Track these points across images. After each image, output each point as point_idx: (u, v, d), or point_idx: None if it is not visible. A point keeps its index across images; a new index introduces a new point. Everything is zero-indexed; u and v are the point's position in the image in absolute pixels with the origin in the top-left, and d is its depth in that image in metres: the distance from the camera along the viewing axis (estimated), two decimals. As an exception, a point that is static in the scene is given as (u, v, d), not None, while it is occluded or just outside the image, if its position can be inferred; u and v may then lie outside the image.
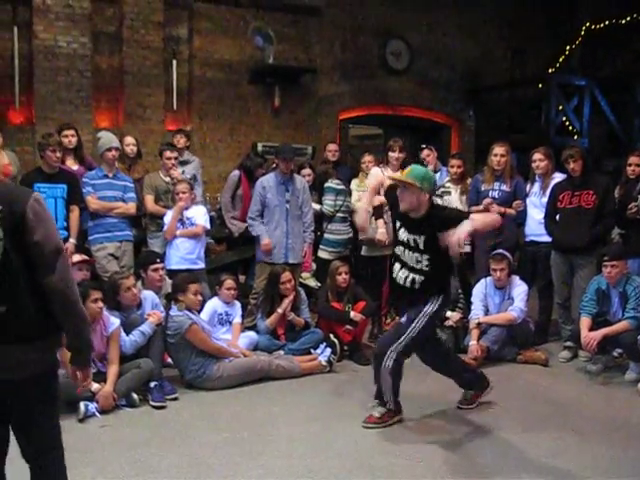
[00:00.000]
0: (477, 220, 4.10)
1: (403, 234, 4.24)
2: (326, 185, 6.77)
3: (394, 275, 4.31)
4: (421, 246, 4.13)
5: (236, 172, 7.08)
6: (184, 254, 6.16)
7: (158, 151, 6.89)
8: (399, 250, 4.27)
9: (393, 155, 6.35)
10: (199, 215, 6.32)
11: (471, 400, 4.63)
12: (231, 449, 3.89)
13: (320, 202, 6.86)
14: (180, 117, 8.91)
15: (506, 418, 4.46)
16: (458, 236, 3.84)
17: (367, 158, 7.28)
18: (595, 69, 10.92)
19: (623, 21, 10.64)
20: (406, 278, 4.20)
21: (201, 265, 6.27)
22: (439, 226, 4.07)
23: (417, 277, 4.16)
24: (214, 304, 5.70)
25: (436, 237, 4.08)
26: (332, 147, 7.96)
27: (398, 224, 4.31)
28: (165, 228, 6.21)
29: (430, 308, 4.15)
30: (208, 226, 6.43)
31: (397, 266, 4.28)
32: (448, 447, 3.96)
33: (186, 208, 6.22)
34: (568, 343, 5.95)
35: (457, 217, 4.10)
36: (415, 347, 4.26)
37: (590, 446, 4.01)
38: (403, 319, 4.27)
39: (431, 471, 3.62)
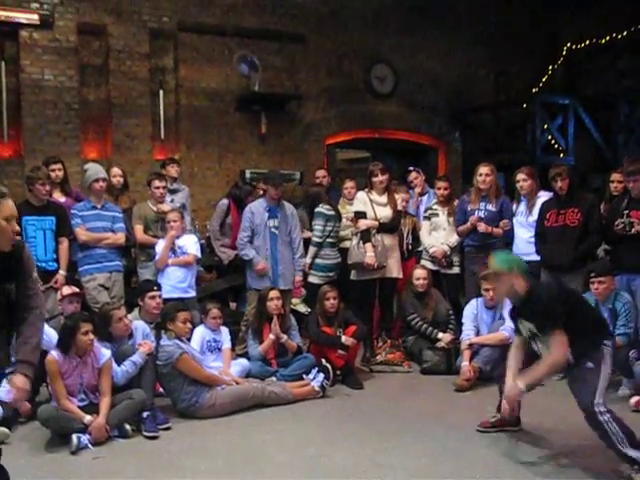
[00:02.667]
0: (533, 376, 3.88)
1: (522, 328, 4.02)
2: (317, 210, 6.79)
3: None
4: (538, 333, 3.89)
5: (225, 201, 7.12)
6: (175, 283, 6.17)
7: (147, 181, 6.92)
8: (535, 348, 4.00)
9: (377, 179, 6.41)
10: (190, 244, 6.34)
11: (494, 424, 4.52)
12: (225, 478, 3.87)
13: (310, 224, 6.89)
14: (168, 146, 8.94)
15: (502, 439, 4.45)
16: (506, 402, 3.87)
17: (348, 184, 7.38)
18: (578, 88, 11.06)
19: (603, 41, 10.80)
20: None
21: (192, 294, 6.29)
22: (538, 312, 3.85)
23: None
24: (202, 332, 5.68)
25: (545, 322, 3.84)
26: (320, 173, 8.02)
27: (519, 318, 4.06)
28: (157, 257, 6.22)
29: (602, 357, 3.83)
30: (199, 255, 6.46)
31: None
32: (444, 473, 3.94)
33: (177, 237, 6.25)
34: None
35: (546, 324, 3.82)
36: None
37: (591, 463, 3.99)
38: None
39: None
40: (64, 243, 5.91)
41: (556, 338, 3.76)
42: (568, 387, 4.02)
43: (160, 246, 6.23)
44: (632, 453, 3.53)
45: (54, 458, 4.21)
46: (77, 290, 5.76)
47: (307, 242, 6.74)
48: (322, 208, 6.76)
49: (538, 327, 3.88)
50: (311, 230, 6.84)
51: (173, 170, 7.31)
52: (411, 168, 7.79)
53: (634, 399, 5.02)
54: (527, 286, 3.93)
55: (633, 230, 5.60)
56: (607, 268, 5.53)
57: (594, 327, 3.96)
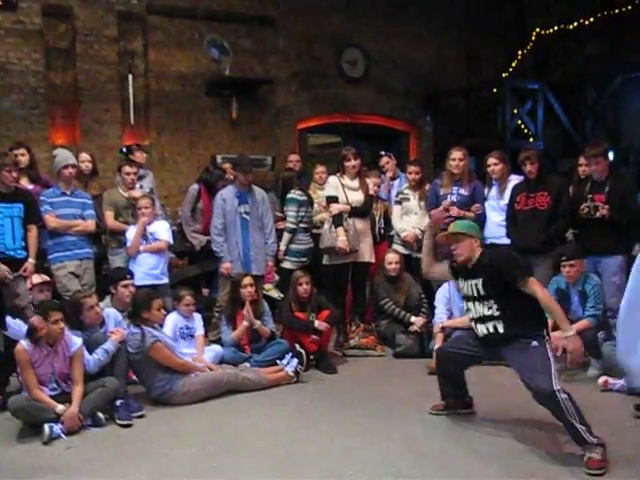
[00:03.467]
0: (562, 321, 4.05)
1: (464, 285, 4.27)
2: (289, 196, 6.76)
3: (480, 337, 4.23)
4: (482, 292, 4.12)
5: (195, 186, 7.07)
6: (147, 270, 6.12)
7: (117, 167, 6.83)
8: (470, 307, 4.26)
9: (349, 164, 6.41)
10: (162, 230, 6.28)
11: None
12: (200, 464, 3.86)
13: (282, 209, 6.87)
14: (138, 132, 8.83)
15: (476, 419, 4.52)
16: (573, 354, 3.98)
17: (319, 169, 7.38)
18: (547, 73, 11.15)
19: (571, 26, 10.89)
20: (487, 329, 4.14)
21: (165, 280, 6.24)
22: (494, 271, 4.06)
23: (496, 324, 4.11)
24: (174, 319, 5.65)
25: (494, 281, 4.07)
26: (293, 157, 7.99)
27: (459, 281, 4.34)
28: (128, 244, 6.15)
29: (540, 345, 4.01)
30: (171, 241, 6.40)
31: (476, 326, 4.23)
32: (417, 455, 3.98)
33: (149, 223, 6.19)
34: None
35: (513, 276, 4.02)
36: None
37: (555, 438, 4.09)
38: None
39: (399, 478, 3.64)
40: (33, 231, 5.80)
41: (532, 282, 3.99)
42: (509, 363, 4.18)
43: (131, 233, 6.17)
44: (579, 427, 3.71)
45: (26, 449, 4.16)
46: (47, 279, 5.68)
47: (279, 230, 6.72)
48: (294, 194, 6.73)
49: (483, 284, 4.10)
50: (283, 216, 6.82)
51: (142, 157, 7.24)
52: (383, 153, 7.80)
53: (602, 379, 5.10)
54: (482, 250, 4.25)
55: (598, 214, 5.68)
56: (577, 252, 5.60)
57: (539, 310, 4.10)
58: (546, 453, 3.92)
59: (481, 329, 4.19)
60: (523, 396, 4.12)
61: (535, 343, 4.00)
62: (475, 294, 4.19)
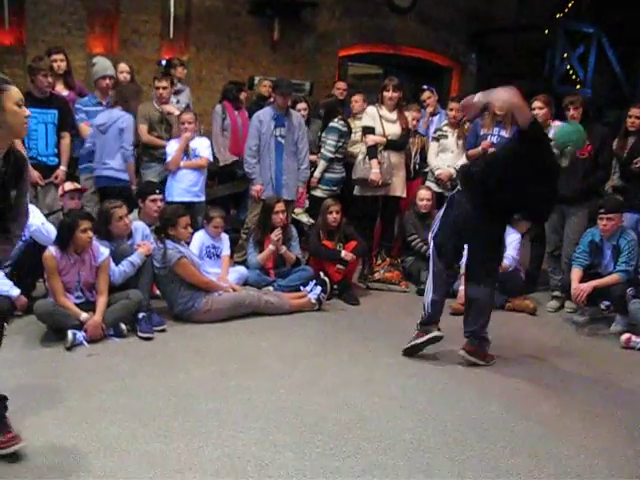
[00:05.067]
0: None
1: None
2: (331, 125, 6.64)
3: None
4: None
5: (218, 106, 6.98)
6: (187, 186, 6.08)
7: (153, 79, 6.72)
8: None
9: (387, 95, 6.24)
10: (203, 147, 6.20)
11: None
12: (217, 382, 3.90)
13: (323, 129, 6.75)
14: (177, 46, 8.68)
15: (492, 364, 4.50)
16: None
17: (355, 97, 7.19)
18: (605, 17, 10.65)
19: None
20: None
21: (203, 198, 6.22)
22: None
23: None
24: (202, 237, 5.64)
25: None
26: (341, 85, 7.82)
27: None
28: (169, 159, 6.06)
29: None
30: (211, 158, 6.33)
31: None
32: (433, 390, 3.99)
33: (191, 139, 6.10)
34: (556, 293, 5.99)
35: None
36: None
37: (573, 391, 4.09)
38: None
39: (414, 413, 3.65)
40: (66, 138, 5.78)
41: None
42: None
43: (172, 147, 6.06)
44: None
45: (49, 353, 4.24)
46: (79, 186, 5.67)
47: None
48: (337, 123, 6.60)
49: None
50: (320, 143, 6.72)
51: (181, 71, 7.11)
52: (425, 87, 7.57)
53: (625, 336, 5.03)
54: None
55: None
56: (618, 205, 5.43)
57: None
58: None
59: None
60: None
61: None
62: None
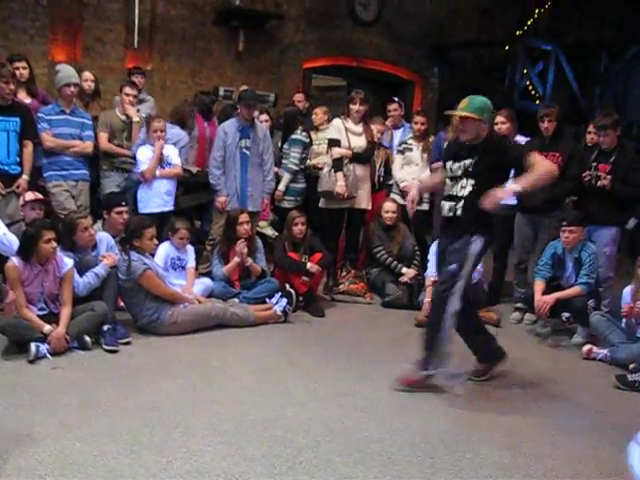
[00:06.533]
0: (528, 180, 4.00)
1: (453, 165, 4.27)
2: (294, 137, 6.67)
3: (443, 213, 4.34)
4: (470, 169, 4.14)
5: None
6: (164, 195, 6.03)
7: (119, 87, 6.65)
8: (447, 187, 4.31)
9: (354, 107, 6.30)
10: (174, 154, 6.15)
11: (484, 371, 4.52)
12: (184, 395, 3.87)
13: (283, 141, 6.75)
14: (141, 56, 8.61)
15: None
16: (497, 195, 3.93)
17: (316, 110, 7.26)
18: (562, 35, 10.95)
19: (591, -12, 10.67)
20: (449, 209, 4.25)
21: (172, 207, 6.17)
22: (495, 155, 4.11)
23: (458, 204, 4.19)
24: (167, 249, 5.59)
25: (488, 163, 4.10)
26: (299, 97, 7.85)
27: (449, 161, 4.32)
28: (142, 167, 5.96)
29: (474, 249, 4.11)
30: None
31: (444, 203, 4.33)
32: (401, 402, 4.01)
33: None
34: (519, 305, 6.08)
35: (516, 155, 4.19)
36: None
37: (537, 402, 4.16)
38: (451, 267, 4.13)
39: (383, 425, 3.67)
40: (29, 147, 5.66)
41: (535, 157, 4.11)
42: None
43: (145, 154, 5.97)
44: (440, 342, 4.10)
45: (10, 366, 4.15)
46: (41, 196, 5.57)
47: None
48: (300, 135, 6.64)
49: (475, 163, 4.12)
50: (281, 154, 6.74)
51: (141, 81, 7.08)
52: (395, 99, 7.63)
53: (586, 347, 5.13)
54: (488, 135, 4.22)
55: (599, 183, 5.64)
56: (579, 218, 5.55)
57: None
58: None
59: (447, 205, 4.28)
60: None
61: (474, 238, 4.10)
62: (460, 173, 4.20)
